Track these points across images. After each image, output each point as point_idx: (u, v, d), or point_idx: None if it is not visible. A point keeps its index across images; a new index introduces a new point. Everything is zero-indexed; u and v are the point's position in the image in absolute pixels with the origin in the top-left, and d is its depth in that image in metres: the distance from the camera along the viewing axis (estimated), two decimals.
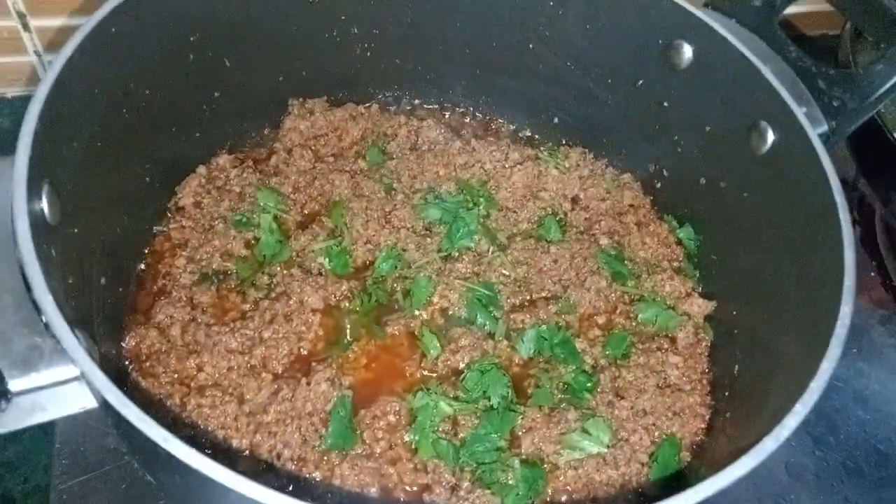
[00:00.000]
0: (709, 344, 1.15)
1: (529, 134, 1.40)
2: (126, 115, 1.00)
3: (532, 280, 1.17)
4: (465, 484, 0.96)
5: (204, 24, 1.09)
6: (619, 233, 1.24)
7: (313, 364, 1.04)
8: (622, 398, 1.05)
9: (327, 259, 1.14)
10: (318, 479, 0.95)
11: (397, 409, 1.01)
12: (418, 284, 1.12)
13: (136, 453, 0.92)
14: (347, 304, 1.12)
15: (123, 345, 1.03)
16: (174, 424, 0.96)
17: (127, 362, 1.02)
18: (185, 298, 1.08)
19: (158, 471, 0.84)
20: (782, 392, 0.87)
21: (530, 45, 1.26)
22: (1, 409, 0.73)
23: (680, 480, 1.00)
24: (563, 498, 0.99)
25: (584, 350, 1.10)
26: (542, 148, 1.33)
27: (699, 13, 1.08)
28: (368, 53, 1.30)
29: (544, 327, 1.10)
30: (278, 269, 1.13)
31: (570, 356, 1.08)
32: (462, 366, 1.06)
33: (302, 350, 1.06)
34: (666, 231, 1.25)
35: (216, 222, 1.15)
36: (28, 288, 0.70)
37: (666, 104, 1.19)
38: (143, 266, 1.12)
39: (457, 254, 1.18)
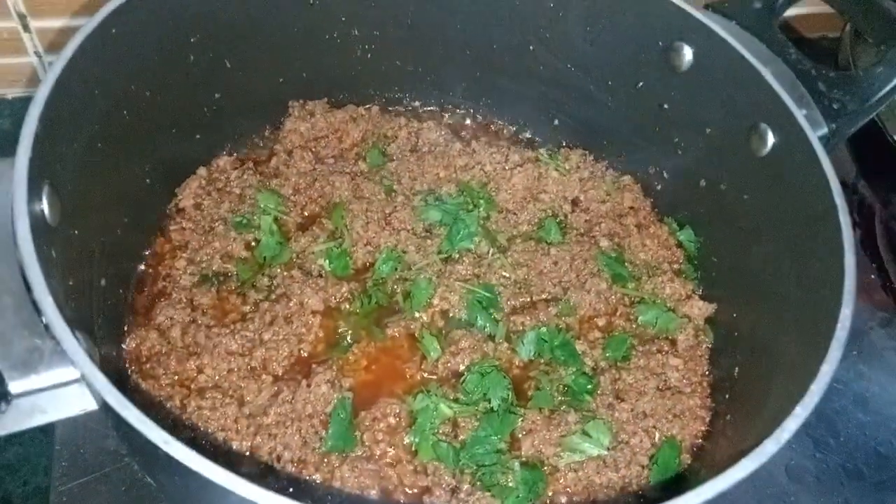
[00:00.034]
0: (709, 346, 1.15)
1: (529, 136, 1.40)
2: (126, 116, 1.00)
3: (532, 282, 1.17)
4: (465, 486, 0.96)
5: (204, 26, 1.09)
6: (619, 235, 1.24)
7: (313, 366, 1.04)
8: (622, 400, 1.05)
9: (327, 261, 1.14)
10: (318, 482, 0.95)
11: (397, 411, 1.01)
12: (418, 286, 1.12)
13: (137, 455, 0.92)
14: (348, 306, 1.12)
15: (123, 346, 1.03)
16: (174, 426, 0.96)
17: (127, 364, 1.02)
18: (185, 300, 1.08)
19: (158, 473, 0.84)
20: (782, 394, 0.87)
21: (531, 47, 1.26)
22: (1, 410, 0.73)
23: (680, 483, 1.00)
24: (564, 500, 0.99)
25: (584, 352, 1.10)
26: (542, 150, 1.33)
27: (699, 15, 1.08)
28: (369, 55, 1.30)
29: (544, 329, 1.10)
30: (278, 270, 1.13)
31: (571, 358, 1.08)
32: (462, 368, 1.06)
33: (302, 352, 1.06)
34: (666, 233, 1.25)
35: (216, 224, 1.15)
36: (28, 289, 0.70)
37: (666, 106, 1.20)
38: (143, 267, 1.12)
39: (457, 256, 1.18)
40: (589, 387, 1.06)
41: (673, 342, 1.14)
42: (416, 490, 0.96)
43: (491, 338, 1.11)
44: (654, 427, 1.03)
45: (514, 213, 1.25)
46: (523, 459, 0.99)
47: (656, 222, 1.28)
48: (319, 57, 1.27)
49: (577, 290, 1.16)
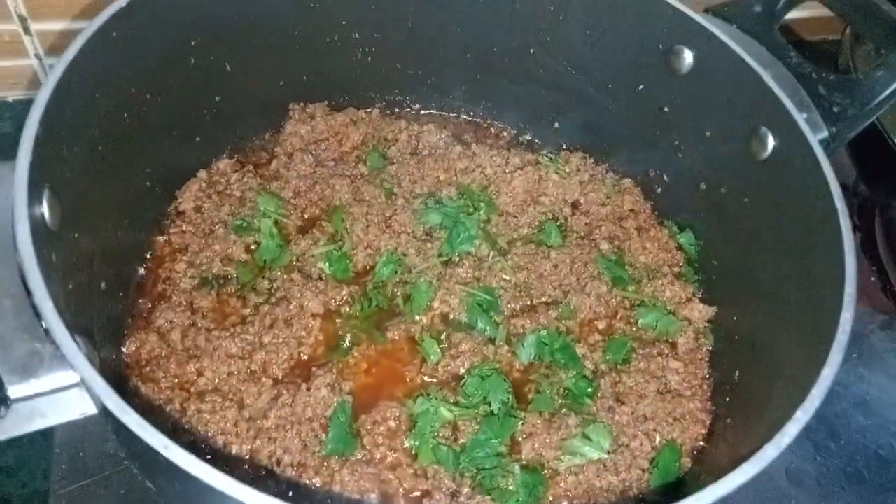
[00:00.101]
0: (709, 349, 1.15)
1: (530, 138, 1.40)
2: (127, 119, 1.00)
3: (532, 285, 1.17)
4: (466, 490, 0.96)
5: (205, 29, 1.09)
6: (619, 238, 1.24)
7: (313, 369, 1.04)
8: (623, 404, 1.05)
9: (328, 264, 1.14)
10: (318, 485, 0.95)
11: (397, 414, 1.01)
12: (419, 289, 1.12)
13: (136, 460, 0.92)
14: (348, 309, 1.11)
15: (123, 349, 1.03)
16: (174, 430, 0.96)
17: (127, 367, 1.02)
18: (185, 303, 1.08)
19: (158, 477, 0.84)
20: (783, 398, 0.87)
21: (531, 50, 1.27)
22: (0, 415, 0.73)
23: (680, 487, 1.00)
24: None
25: (584, 355, 1.10)
26: (542, 153, 1.33)
27: (700, 19, 1.08)
28: (369, 58, 1.30)
29: (545, 332, 1.10)
30: (278, 273, 1.13)
31: (571, 361, 1.08)
32: (462, 371, 1.06)
33: (302, 355, 1.06)
34: (666, 236, 1.25)
35: (216, 227, 1.15)
36: (28, 293, 0.70)
37: (666, 109, 1.20)
38: (143, 271, 1.12)
39: (457, 259, 1.18)
40: (589, 390, 1.06)
41: (673, 345, 1.14)
42: (416, 493, 0.96)
43: (491, 341, 1.10)
44: (655, 430, 1.03)
45: (515, 216, 1.25)
46: (523, 463, 0.99)
47: (656, 225, 1.28)
48: (320, 60, 1.27)
49: (578, 294, 1.16)
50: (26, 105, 0.79)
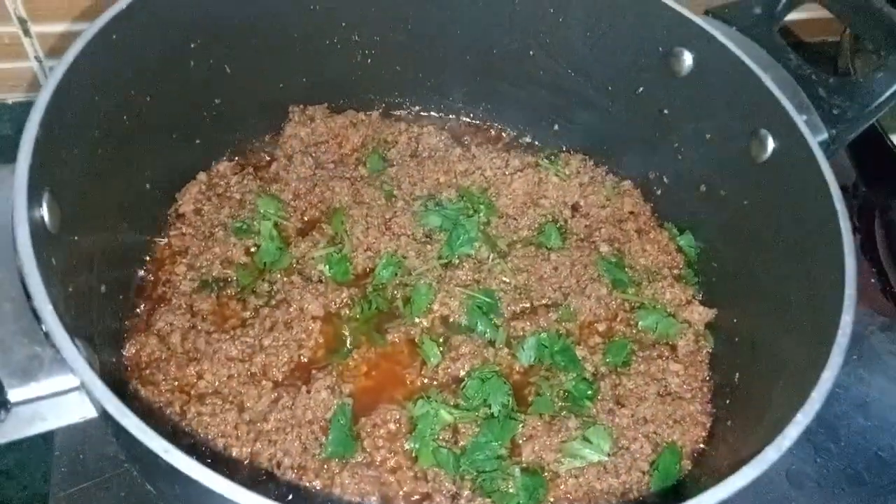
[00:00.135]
0: (709, 351, 1.15)
1: (530, 140, 1.40)
2: (127, 121, 1.00)
3: (532, 287, 1.17)
4: (466, 492, 0.96)
5: (205, 31, 1.09)
6: (619, 240, 1.24)
7: (313, 372, 1.04)
8: (623, 406, 1.05)
9: (327, 266, 1.14)
10: (318, 488, 0.95)
11: (398, 417, 1.01)
12: (418, 292, 1.12)
13: (136, 463, 0.92)
14: (348, 312, 1.11)
15: (123, 352, 1.03)
16: (174, 433, 0.96)
17: (127, 370, 1.02)
18: (185, 306, 1.08)
19: (158, 480, 0.84)
20: (783, 400, 0.87)
21: (531, 52, 1.27)
22: (0, 419, 0.73)
23: (680, 489, 1.00)
24: None
25: (584, 358, 1.10)
26: (542, 155, 1.33)
27: (699, 21, 1.08)
28: (369, 60, 1.30)
29: (545, 335, 1.10)
30: (278, 276, 1.13)
31: (571, 364, 1.08)
32: (462, 373, 1.06)
33: (302, 358, 1.06)
34: (666, 238, 1.25)
35: (216, 229, 1.15)
36: (28, 296, 0.70)
37: (666, 111, 1.20)
38: (143, 273, 1.12)
39: (457, 261, 1.18)
40: (589, 392, 1.06)
41: (673, 347, 1.14)
42: (416, 496, 0.96)
43: (491, 343, 1.10)
44: (655, 433, 1.03)
45: (515, 219, 1.25)
46: (524, 465, 0.99)
47: (656, 227, 1.28)
48: (320, 62, 1.27)
49: (578, 296, 1.16)
50: (26, 107, 0.79)
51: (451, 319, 1.13)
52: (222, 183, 1.22)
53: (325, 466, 0.96)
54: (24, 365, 0.74)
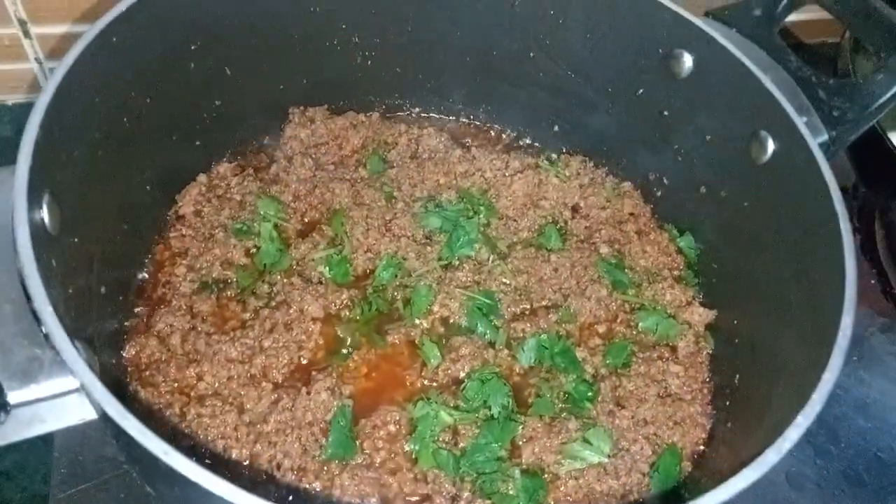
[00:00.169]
0: (710, 353, 1.15)
1: (530, 142, 1.40)
2: (127, 123, 1.00)
3: (532, 289, 1.17)
4: (466, 494, 0.96)
5: (205, 33, 1.09)
6: (619, 241, 1.24)
7: (313, 373, 1.04)
8: (623, 407, 1.05)
9: (327, 268, 1.14)
10: (318, 490, 0.95)
11: (397, 418, 1.01)
12: (419, 293, 1.12)
13: (136, 464, 0.92)
14: (348, 313, 1.11)
15: (123, 354, 1.03)
16: (174, 434, 0.96)
17: (126, 372, 1.02)
18: (184, 307, 1.08)
19: (158, 482, 0.83)
20: (783, 401, 0.87)
21: (531, 54, 1.27)
22: (0, 420, 0.73)
23: (680, 491, 1.00)
24: None
25: (584, 359, 1.10)
26: (542, 156, 1.33)
27: (699, 22, 1.08)
28: (369, 62, 1.30)
29: (545, 336, 1.10)
30: (278, 277, 1.13)
31: (571, 365, 1.08)
32: (462, 375, 1.06)
33: (302, 359, 1.06)
34: (666, 240, 1.25)
35: (216, 231, 1.15)
36: (28, 298, 0.70)
37: (666, 113, 1.20)
38: (143, 275, 1.12)
39: (457, 262, 1.18)
40: (589, 394, 1.06)
41: (673, 349, 1.14)
42: (416, 498, 0.96)
43: (491, 345, 1.10)
44: (655, 434, 1.03)
45: (515, 220, 1.25)
46: (524, 467, 0.99)
47: (656, 229, 1.28)
48: (320, 63, 1.27)
49: (578, 297, 1.16)
50: (26, 109, 0.79)
51: (452, 321, 1.13)
52: (222, 184, 1.22)
53: (325, 468, 0.96)
54: (24, 367, 0.73)
